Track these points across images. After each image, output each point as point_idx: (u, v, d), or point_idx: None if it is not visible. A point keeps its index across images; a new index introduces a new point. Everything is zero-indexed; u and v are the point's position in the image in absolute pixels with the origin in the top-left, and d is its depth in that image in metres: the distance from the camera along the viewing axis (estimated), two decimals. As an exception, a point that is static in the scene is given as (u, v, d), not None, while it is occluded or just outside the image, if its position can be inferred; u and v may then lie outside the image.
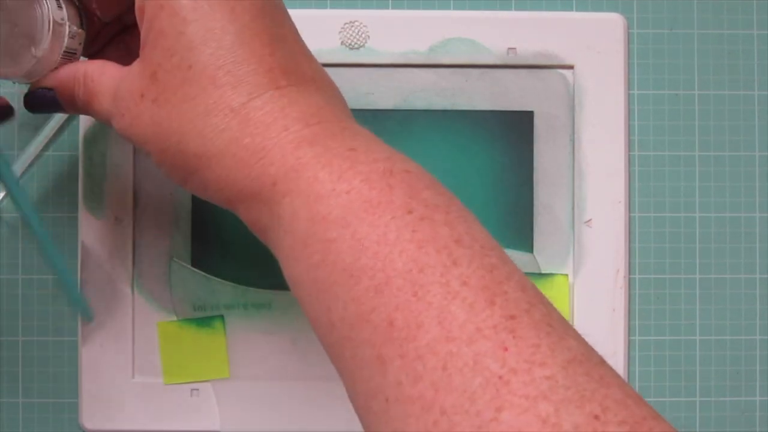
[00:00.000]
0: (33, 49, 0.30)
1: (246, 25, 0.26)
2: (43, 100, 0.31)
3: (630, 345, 0.38)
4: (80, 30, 0.31)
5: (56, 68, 0.30)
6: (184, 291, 0.38)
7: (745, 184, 0.39)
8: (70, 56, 0.31)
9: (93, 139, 0.38)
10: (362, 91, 0.38)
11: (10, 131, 0.38)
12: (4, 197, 0.38)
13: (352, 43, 0.38)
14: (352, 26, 0.38)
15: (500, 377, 0.21)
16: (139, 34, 0.28)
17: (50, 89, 0.30)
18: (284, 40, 0.27)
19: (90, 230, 0.37)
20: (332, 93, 0.28)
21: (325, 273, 0.24)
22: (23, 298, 0.38)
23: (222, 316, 0.38)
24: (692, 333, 0.39)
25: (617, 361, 0.38)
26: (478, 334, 0.21)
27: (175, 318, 0.38)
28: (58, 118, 0.38)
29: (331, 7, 0.39)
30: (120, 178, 0.38)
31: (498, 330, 0.21)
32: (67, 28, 0.30)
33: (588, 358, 0.22)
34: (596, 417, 0.20)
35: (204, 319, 0.38)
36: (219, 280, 0.38)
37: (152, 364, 0.38)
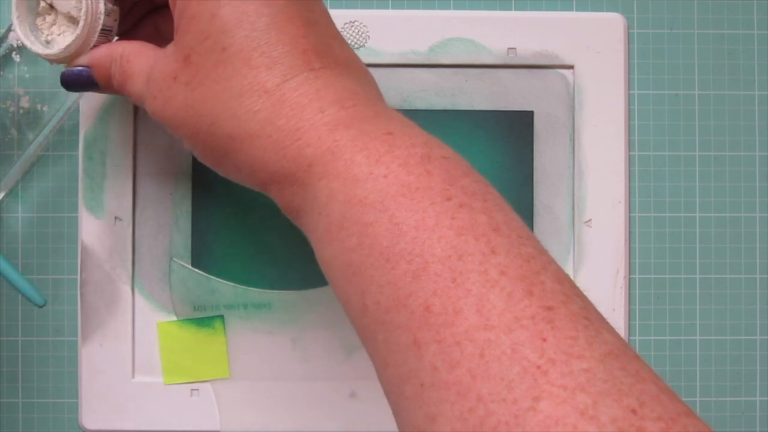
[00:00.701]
0: (70, 29, 0.31)
1: (280, 8, 0.27)
2: (80, 79, 0.31)
3: (630, 345, 0.38)
4: (115, 6, 0.31)
5: (94, 47, 0.31)
6: (184, 291, 0.38)
7: (745, 184, 0.39)
8: (106, 34, 0.31)
9: (93, 139, 0.38)
10: (362, 91, 0.38)
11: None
12: (4, 196, 0.38)
13: (352, 43, 0.38)
14: (352, 26, 0.38)
15: (538, 367, 0.21)
16: (169, 15, 0.28)
17: (87, 68, 0.31)
18: (317, 24, 0.28)
19: (90, 230, 0.37)
20: (365, 77, 0.29)
21: (361, 256, 0.24)
22: (23, 298, 0.38)
23: (222, 316, 0.38)
24: (692, 333, 0.39)
25: (617, 361, 0.38)
26: (516, 323, 0.21)
27: (175, 318, 0.38)
28: (58, 118, 0.38)
29: (331, 7, 0.39)
30: (120, 178, 0.38)
31: (536, 320, 0.21)
32: (102, 5, 0.30)
33: (623, 352, 0.22)
34: (633, 411, 0.20)
35: (204, 319, 0.38)
36: (219, 280, 0.38)
37: (152, 364, 0.38)
